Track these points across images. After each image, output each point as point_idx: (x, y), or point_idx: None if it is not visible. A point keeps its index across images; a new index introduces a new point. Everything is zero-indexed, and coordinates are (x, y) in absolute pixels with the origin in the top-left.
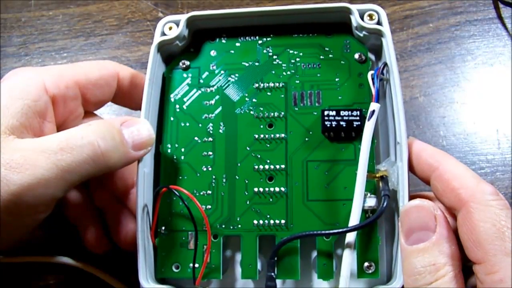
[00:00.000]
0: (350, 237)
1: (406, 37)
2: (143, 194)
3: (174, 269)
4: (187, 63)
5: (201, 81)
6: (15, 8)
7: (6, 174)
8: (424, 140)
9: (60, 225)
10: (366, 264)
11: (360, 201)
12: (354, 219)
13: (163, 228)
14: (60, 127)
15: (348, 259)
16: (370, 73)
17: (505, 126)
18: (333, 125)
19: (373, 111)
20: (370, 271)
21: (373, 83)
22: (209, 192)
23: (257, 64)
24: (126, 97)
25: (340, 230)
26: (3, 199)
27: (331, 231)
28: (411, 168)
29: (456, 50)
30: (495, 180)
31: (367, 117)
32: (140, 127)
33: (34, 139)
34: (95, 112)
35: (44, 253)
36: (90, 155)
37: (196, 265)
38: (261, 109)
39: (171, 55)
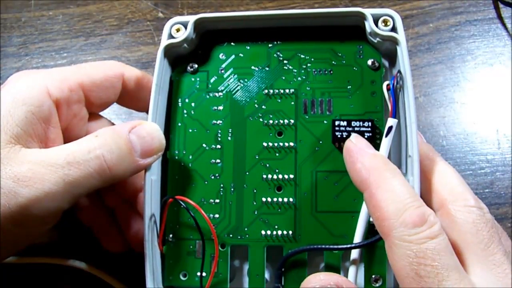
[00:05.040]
0: (355, 253)
1: (406, 37)
2: (150, 203)
3: (181, 277)
4: (195, 66)
5: (210, 85)
6: (15, 8)
7: (14, 186)
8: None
9: (70, 228)
10: (373, 277)
11: (366, 217)
12: (358, 235)
13: (171, 236)
14: (64, 131)
15: (353, 274)
16: (385, 83)
17: (505, 126)
18: (344, 136)
19: (391, 127)
20: (377, 285)
21: (389, 96)
22: (217, 200)
23: (267, 69)
24: (132, 98)
25: (343, 246)
26: (12, 210)
27: (335, 247)
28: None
29: (456, 50)
30: (495, 180)
31: (384, 133)
32: (149, 132)
33: (41, 150)
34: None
35: (55, 255)
36: (97, 170)
37: (204, 274)
38: (271, 116)
39: (178, 58)
